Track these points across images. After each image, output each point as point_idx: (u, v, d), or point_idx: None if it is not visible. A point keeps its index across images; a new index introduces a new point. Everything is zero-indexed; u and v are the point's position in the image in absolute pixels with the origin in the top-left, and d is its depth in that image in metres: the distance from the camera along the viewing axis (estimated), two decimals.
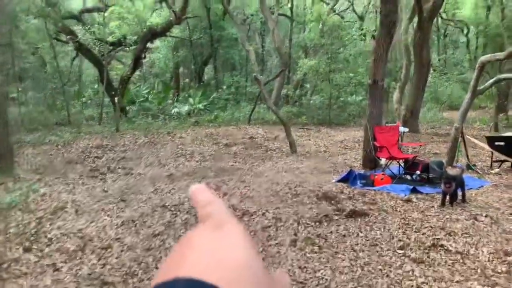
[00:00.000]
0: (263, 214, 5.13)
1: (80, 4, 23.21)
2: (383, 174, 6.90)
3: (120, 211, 5.35)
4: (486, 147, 8.45)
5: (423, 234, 4.57)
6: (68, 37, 14.81)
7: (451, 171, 7.25)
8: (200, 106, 18.70)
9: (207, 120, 17.04)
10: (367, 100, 7.72)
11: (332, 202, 5.65)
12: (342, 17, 22.76)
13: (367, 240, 4.45)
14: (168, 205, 5.49)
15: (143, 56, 24.63)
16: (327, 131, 15.48)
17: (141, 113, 17.79)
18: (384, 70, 7.58)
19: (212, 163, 8.72)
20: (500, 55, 7.72)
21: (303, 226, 4.78)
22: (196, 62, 22.20)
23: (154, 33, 15.93)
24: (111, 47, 19.77)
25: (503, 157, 8.13)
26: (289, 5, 20.77)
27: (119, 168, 7.85)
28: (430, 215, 5.22)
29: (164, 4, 19.12)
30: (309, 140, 12.91)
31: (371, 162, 7.92)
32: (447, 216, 5.16)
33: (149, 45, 24.43)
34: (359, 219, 5.03)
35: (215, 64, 21.97)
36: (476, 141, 8.81)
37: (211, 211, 0.36)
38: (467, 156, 8.36)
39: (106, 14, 21.11)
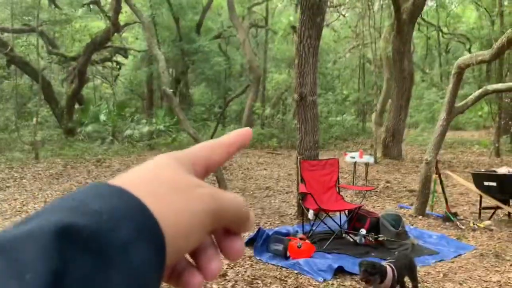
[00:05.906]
0: None
1: None
2: (302, 238, 4.43)
3: None
4: (473, 187, 6.00)
5: None
6: None
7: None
8: (161, 127, 16.41)
9: (163, 144, 14.78)
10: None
11: None
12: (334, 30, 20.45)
13: None
14: None
15: (116, 71, 22.72)
16: None
17: (92, 135, 15.60)
18: (314, 78, 5.19)
19: None
20: (485, 54, 5.18)
21: None
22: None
23: (95, 44, 13.85)
24: (73, 63, 17.93)
25: (495, 203, 5.69)
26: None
27: None
28: None
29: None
30: (265, 169, 10.57)
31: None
32: None
33: (121, 60, 22.58)
34: None
35: (186, 80, 19.83)
36: (460, 179, 6.35)
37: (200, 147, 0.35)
38: (446, 202, 5.91)
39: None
